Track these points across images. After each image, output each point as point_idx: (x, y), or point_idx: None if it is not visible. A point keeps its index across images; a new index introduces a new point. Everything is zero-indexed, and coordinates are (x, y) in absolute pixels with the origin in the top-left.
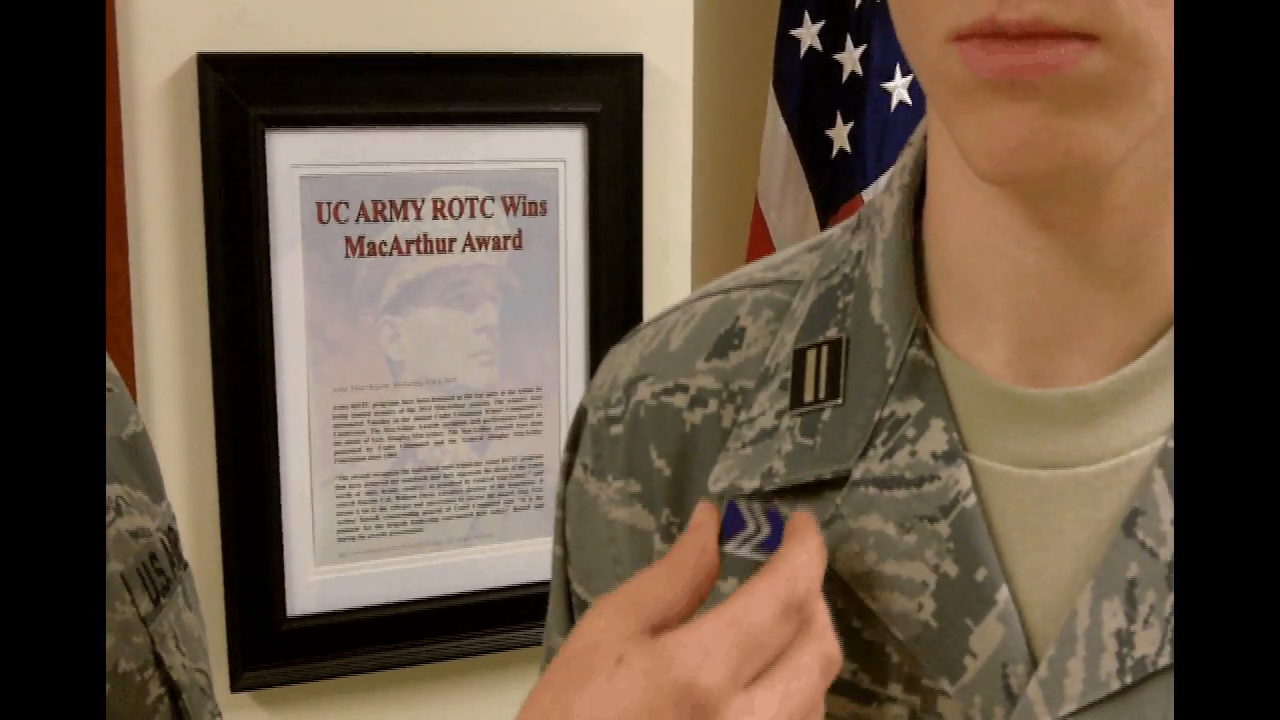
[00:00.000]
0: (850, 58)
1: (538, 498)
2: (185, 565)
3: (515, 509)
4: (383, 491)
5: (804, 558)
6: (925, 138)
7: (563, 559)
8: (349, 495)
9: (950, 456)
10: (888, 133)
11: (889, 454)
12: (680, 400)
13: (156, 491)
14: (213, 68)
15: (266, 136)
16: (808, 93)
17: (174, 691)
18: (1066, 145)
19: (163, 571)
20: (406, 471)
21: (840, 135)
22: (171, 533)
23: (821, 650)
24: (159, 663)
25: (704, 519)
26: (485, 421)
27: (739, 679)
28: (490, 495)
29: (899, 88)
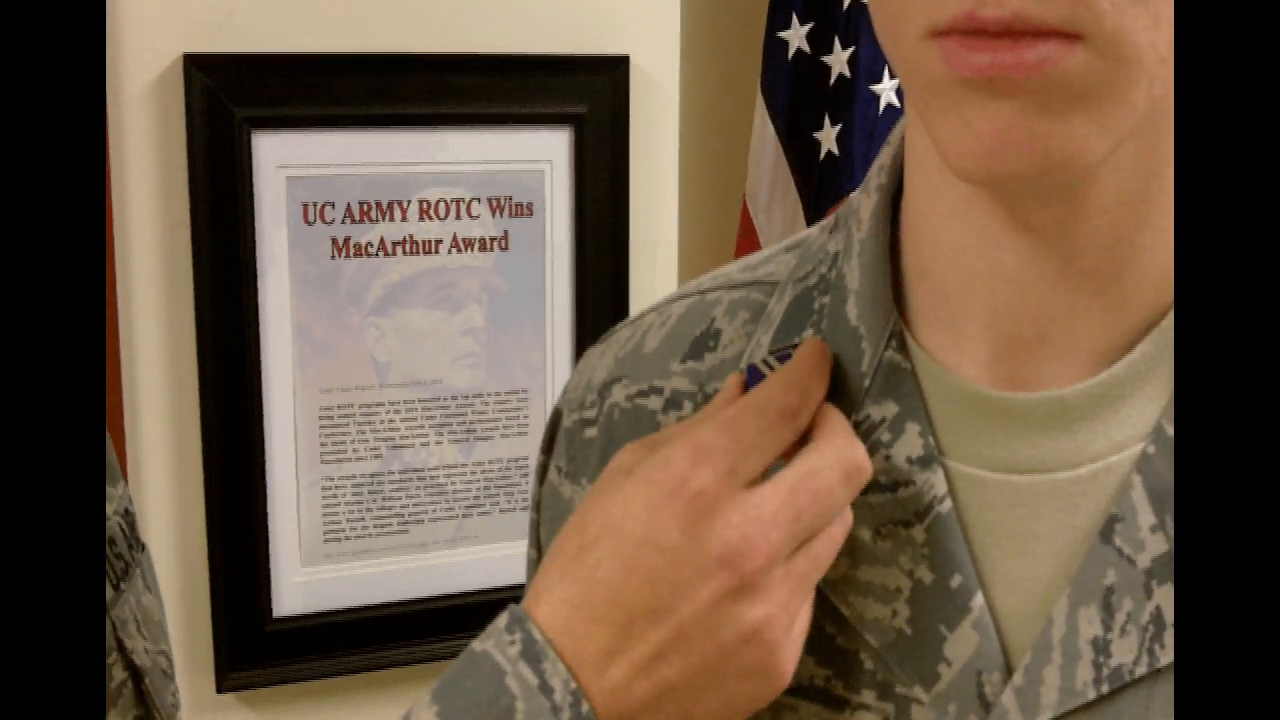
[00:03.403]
0: (838, 60)
1: (523, 500)
2: (143, 547)
3: (501, 511)
4: (369, 493)
5: (800, 369)
6: (904, 138)
7: (537, 562)
8: (335, 496)
9: (926, 461)
10: (876, 135)
11: None
12: (655, 402)
13: (112, 474)
14: (199, 69)
15: (252, 137)
16: (795, 95)
17: (136, 675)
18: (1046, 146)
19: (121, 556)
20: (392, 473)
21: (828, 137)
22: (129, 515)
23: (844, 455)
24: (121, 647)
25: (731, 381)
26: (471, 423)
27: (737, 476)
28: (476, 497)
29: (887, 90)
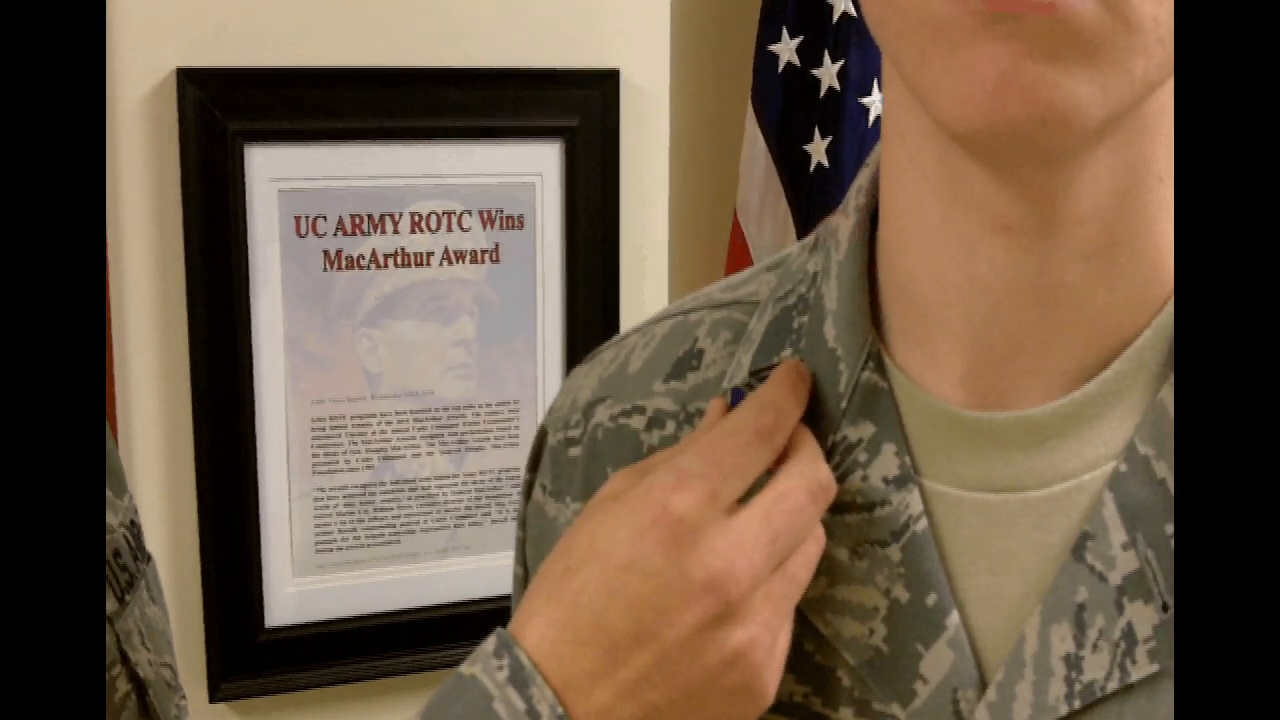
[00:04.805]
0: (828, 73)
1: (514, 510)
2: (149, 558)
3: (492, 521)
4: (360, 503)
5: (775, 390)
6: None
7: (523, 579)
8: (327, 507)
9: (902, 481)
10: (866, 147)
11: (841, 479)
12: (638, 422)
13: (119, 486)
14: (192, 82)
15: (245, 150)
16: (786, 108)
17: (140, 687)
18: (1048, 96)
19: (126, 568)
20: (384, 484)
21: (818, 150)
22: (134, 526)
23: (808, 475)
24: (125, 660)
25: (714, 406)
26: (463, 434)
27: (718, 500)
28: (467, 507)
29: (876, 103)
